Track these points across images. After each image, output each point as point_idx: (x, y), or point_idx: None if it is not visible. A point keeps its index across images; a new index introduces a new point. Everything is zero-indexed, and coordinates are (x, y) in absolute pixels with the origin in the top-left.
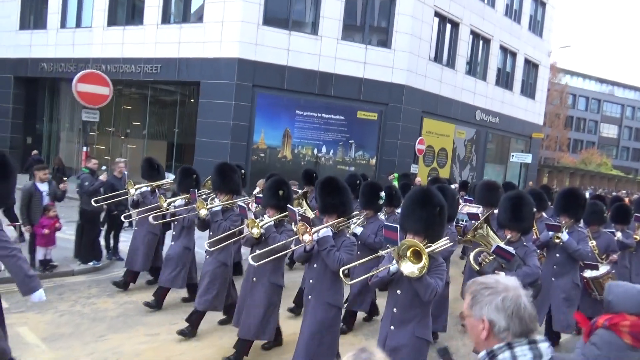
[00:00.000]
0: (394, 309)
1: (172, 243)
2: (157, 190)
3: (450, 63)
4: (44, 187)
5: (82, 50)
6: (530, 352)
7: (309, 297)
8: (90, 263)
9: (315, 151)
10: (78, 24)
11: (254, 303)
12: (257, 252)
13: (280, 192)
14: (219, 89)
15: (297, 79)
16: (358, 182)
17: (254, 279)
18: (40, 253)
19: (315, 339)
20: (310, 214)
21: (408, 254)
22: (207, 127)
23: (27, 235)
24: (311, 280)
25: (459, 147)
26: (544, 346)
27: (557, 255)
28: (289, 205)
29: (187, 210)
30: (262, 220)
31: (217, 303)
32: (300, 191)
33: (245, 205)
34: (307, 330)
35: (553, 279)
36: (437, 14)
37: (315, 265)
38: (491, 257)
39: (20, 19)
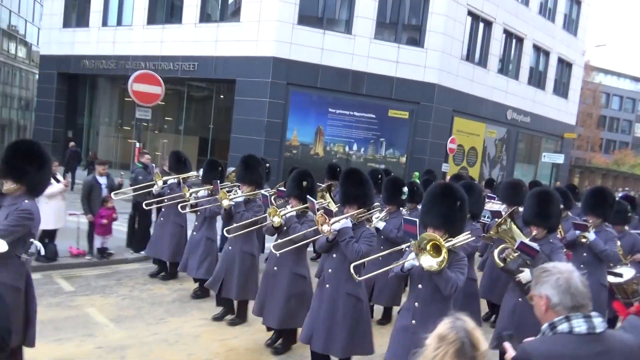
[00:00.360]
0: (415, 303)
1: (194, 233)
2: (182, 183)
3: (482, 62)
4: (102, 180)
5: (122, 48)
6: (585, 324)
7: (327, 286)
8: (142, 252)
9: (347, 148)
10: (119, 23)
11: (275, 292)
12: (279, 241)
13: (304, 183)
14: (254, 87)
15: (330, 78)
16: (380, 176)
17: (275, 268)
18: (98, 241)
19: (333, 328)
20: (333, 207)
21: (428, 247)
22: (242, 123)
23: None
24: (330, 270)
25: (489, 147)
26: (598, 320)
27: (584, 254)
28: (308, 196)
29: (209, 201)
30: (284, 209)
31: (250, 291)
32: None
33: (268, 195)
34: (327, 318)
35: None
36: (470, 13)
37: (334, 255)
38: (515, 254)
39: (64, 17)
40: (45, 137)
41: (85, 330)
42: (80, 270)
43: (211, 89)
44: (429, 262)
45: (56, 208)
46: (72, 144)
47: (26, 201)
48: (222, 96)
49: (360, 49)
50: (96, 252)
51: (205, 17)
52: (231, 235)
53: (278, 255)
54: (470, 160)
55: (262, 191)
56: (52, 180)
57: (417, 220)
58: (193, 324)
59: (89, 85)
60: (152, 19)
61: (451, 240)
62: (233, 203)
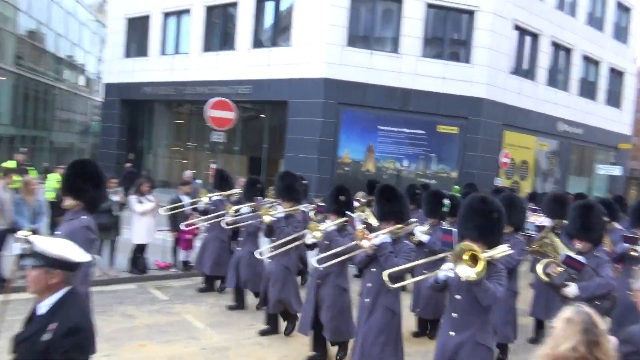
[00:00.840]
0: (454, 314)
1: (239, 249)
2: (226, 200)
3: (530, 75)
4: (186, 199)
5: (179, 74)
6: None
7: (366, 300)
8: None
9: (397, 164)
10: (176, 51)
11: (320, 305)
12: (321, 255)
13: (341, 198)
14: (307, 107)
15: (379, 96)
16: (417, 191)
17: (318, 281)
18: (182, 255)
19: (377, 343)
20: (374, 222)
21: (465, 257)
22: (295, 143)
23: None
24: (369, 284)
25: (541, 159)
26: None
27: (635, 268)
28: (347, 212)
29: (251, 217)
30: (324, 224)
31: (286, 305)
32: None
33: (307, 211)
34: (365, 331)
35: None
36: (516, 27)
37: (373, 270)
38: (561, 268)
39: (125, 48)
40: (109, 160)
41: (188, 333)
42: (169, 282)
43: (263, 110)
44: (467, 272)
45: (147, 224)
46: (127, 165)
47: (84, 217)
48: (275, 117)
49: (407, 67)
50: (181, 265)
51: (257, 42)
52: (274, 253)
53: (321, 269)
54: (522, 174)
55: (302, 207)
56: (144, 199)
57: (454, 229)
58: (280, 329)
59: (147, 110)
60: (207, 47)
61: (489, 252)
62: (274, 219)
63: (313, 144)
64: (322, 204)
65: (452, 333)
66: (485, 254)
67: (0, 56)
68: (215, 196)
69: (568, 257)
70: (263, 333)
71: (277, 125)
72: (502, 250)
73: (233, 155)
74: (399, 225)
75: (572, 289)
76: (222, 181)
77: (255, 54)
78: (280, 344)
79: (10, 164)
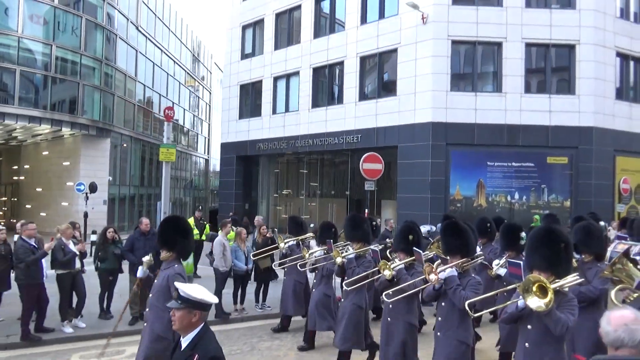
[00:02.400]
0: (526, 344)
1: (314, 290)
2: (301, 243)
3: (638, 98)
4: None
5: (291, 130)
6: None
7: (438, 334)
8: None
9: (509, 198)
10: (287, 109)
11: (393, 342)
12: (390, 292)
13: (410, 237)
14: (416, 150)
15: (486, 134)
16: (488, 225)
17: (389, 319)
18: None
19: None
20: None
21: (534, 288)
22: (406, 184)
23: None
24: (439, 318)
25: None
26: None
27: None
28: (414, 248)
29: (325, 259)
30: (393, 262)
31: (357, 341)
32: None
33: (377, 250)
34: None
35: None
36: (618, 54)
37: (443, 304)
38: (635, 294)
39: (239, 111)
40: (228, 210)
41: None
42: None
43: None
44: (536, 302)
45: None
46: (232, 213)
47: (176, 265)
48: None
49: (512, 104)
50: None
51: (363, 96)
52: (350, 288)
53: (391, 306)
54: (638, 198)
55: (372, 247)
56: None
57: (521, 262)
58: None
59: (261, 163)
60: (315, 104)
61: (558, 282)
62: (345, 260)
63: (424, 184)
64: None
65: None
66: (553, 285)
67: (127, 124)
68: (291, 241)
69: None
70: None
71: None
72: (571, 280)
73: (344, 200)
74: (464, 260)
75: None
76: (297, 226)
77: (363, 106)
78: None
79: (191, 220)
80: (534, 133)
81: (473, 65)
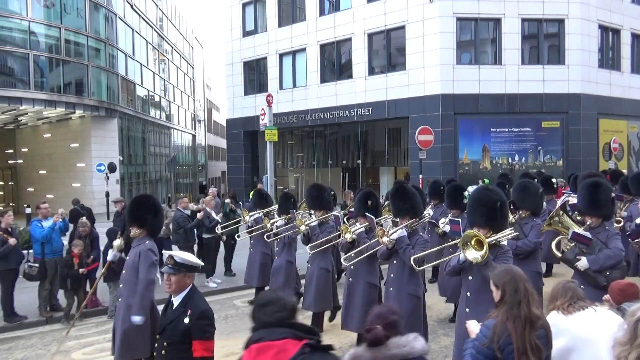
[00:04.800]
0: (468, 293)
1: (277, 258)
2: (264, 216)
3: (616, 66)
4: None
5: (300, 104)
6: None
7: (391, 289)
8: None
9: (510, 160)
10: (294, 85)
11: (353, 302)
12: (350, 253)
13: (369, 203)
14: (426, 120)
15: (488, 103)
16: (442, 187)
17: (350, 279)
18: None
19: (405, 328)
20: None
21: (472, 242)
22: (416, 151)
23: None
24: (392, 275)
25: (632, 141)
26: None
27: None
28: (367, 214)
29: (287, 229)
30: (354, 226)
31: (326, 303)
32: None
33: (339, 216)
34: None
35: None
36: (600, 27)
37: (395, 262)
38: (572, 244)
39: (243, 87)
40: (238, 184)
41: None
42: None
43: (383, 127)
44: (473, 254)
45: None
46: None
47: (147, 242)
48: (396, 131)
49: (510, 75)
50: None
51: (372, 70)
52: (311, 253)
53: (352, 267)
54: (618, 155)
55: (334, 213)
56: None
57: (460, 220)
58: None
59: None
60: (324, 79)
61: (493, 236)
62: (309, 227)
63: (436, 151)
64: (352, 210)
65: (467, 309)
66: (489, 239)
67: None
68: (256, 214)
69: (575, 233)
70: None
71: (398, 137)
72: (505, 234)
73: (356, 168)
74: (413, 220)
75: (582, 262)
76: (262, 199)
77: (372, 81)
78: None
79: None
80: (530, 101)
81: (475, 40)
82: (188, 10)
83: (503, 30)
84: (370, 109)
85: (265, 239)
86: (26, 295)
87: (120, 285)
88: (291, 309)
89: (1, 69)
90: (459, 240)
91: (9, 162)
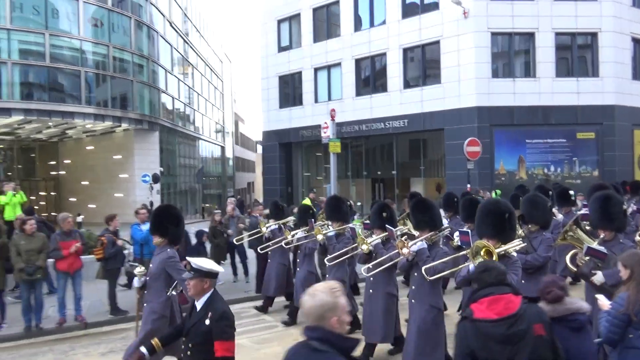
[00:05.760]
0: None
1: (298, 269)
2: (283, 227)
3: None
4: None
5: (337, 116)
6: None
7: (412, 301)
8: None
9: (545, 170)
10: (329, 98)
11: (374, 312)
12: (369, 265)
13: (384, 215)
14: (463, 132)
15: (523, 115)
16: (455, 199)
17: (370, 290)
18: None
19: (422, 337)
20: (415, 232)
21: (482, 253)
22: (454, 162)
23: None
24: (413, 287)
25: None
26: None
27: None
28: (387, 225)
29: (306, 239)
30: (370, 238)
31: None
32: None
33: (355, 227)
34: (414, 330)
35: None
36: (633, 39)
37: (415, 274)
38: (586, 258)
39: (279, 100)
40: (273, 194)
41: None
42: None
43: (418, 139)
44: None
45: None
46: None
47: (169, 250)
48: (430, 143)
49: (545, 88)
50: None
51: (407, 83)
52: (329, 265)
53: (371, 279)
54: None
55: (350, 225)
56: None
57: (469, 231)
58: None
59: (303, 149)
60: (359, 92)
61: (502, 247)
62: (326, 237)
63: (472, 162)
64: (368, 222)
65: None
66: (498, 249)
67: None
68: (272, 225)
69: (590, 248)
70: None
71: (434, 149)
72: (514, 244)
73: (392, 179)
74: (433, 233)
75: (598, 277)
76: (278, 211)
77: (408, 94)
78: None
79: (307, 201)
80: (565, 112)
81: (509, 53)
82: (217, 25)
83: (537, 44)
84: (406, 121)
85: (284, 245)
86: (120, 294)
87: (145, 292)
88: (504, 273)
89: (54, 85)
90: (468, 250)
91: (52, 173)
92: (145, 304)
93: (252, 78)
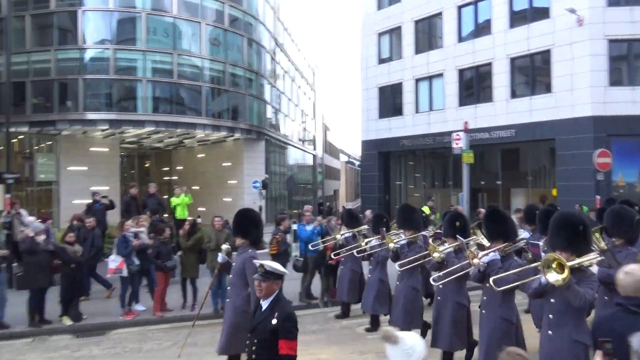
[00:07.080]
0: (550, 315)
1: (369, 276)
2: (357, 234)
3: None
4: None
5: (437, 127)
6: None
7: (483, 312)
8: None
9: None
10: (431, 108)
11: (442, 321)
12: (440, 274)
13: (457, 224)
14: (577, 142)
15: None
16: (537, 212)
17: (439, 298)
18: None
19: (491, 349)
20: (486, 242)
21: (554, 265)
22: (567, 173)
23: None
24: (485, 297)
25: None
26: None
27: None
28: (457, 236)
29: (379, 247)
30: (442, 246)
31: (412, 321)
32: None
33: (427, 236)
34: (485, 341)
35: None
36: None
37: (487, 285)
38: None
39: (379, 110)
40: (372, 202)
41: None
42: None
43: (527, 150)
44: (554, 277)
45: None
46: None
47: (250, 250)
48: (539, 153)
49: None
50: None
51: (514, 93)
52: (400, 270)
53: (441, 287)
54: None
55: (423, 233)
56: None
57: (540, 243)
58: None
59: (403, 158)
60: (462, 102)
61: (575, 260)
62: (398, 246)
63: (588, 173)
64: (440, 231)
65: (550, 332)
66: (570, 262)
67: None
68: (347, 233)
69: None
70: None
71: (542, 159)
72: (589, 257)
73: (497, 190)
74: (507, 244)
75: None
76: (352, 219)
77: (515, 103)
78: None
79: (426, 208)
80: None
81: (628, 61)
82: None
83: None
84: (514, 131)
85: (355, 254)
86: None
87: (228, 288)
88: None
89: (177, 99)
90: (539, 262)
91: (164, 178)
92: (227, 300)
93: (337, 87)
